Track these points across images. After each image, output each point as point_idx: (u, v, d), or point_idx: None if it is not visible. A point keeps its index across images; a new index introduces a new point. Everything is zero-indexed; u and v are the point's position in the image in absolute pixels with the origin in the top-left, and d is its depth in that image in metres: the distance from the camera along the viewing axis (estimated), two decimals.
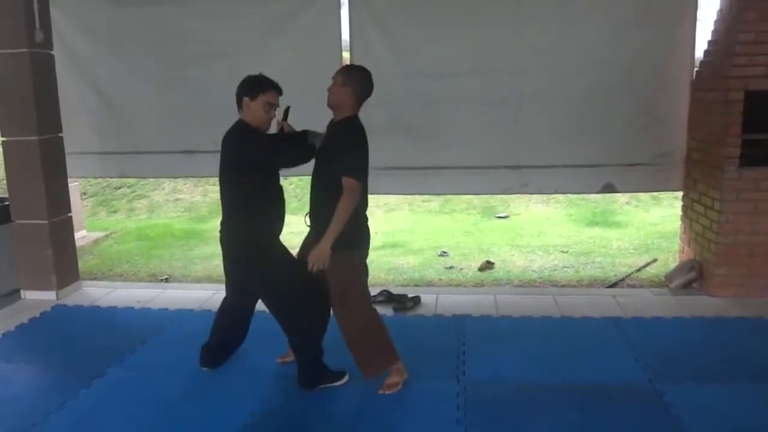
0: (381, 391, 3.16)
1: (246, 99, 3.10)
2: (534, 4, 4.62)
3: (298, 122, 5.23)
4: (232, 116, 5.40)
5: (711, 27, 4.61)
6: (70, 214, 4.91)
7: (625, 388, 3.21)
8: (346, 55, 4.92)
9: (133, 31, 5.00)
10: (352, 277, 3.09)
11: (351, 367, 3.26)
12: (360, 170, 2.97)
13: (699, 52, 4.70)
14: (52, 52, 4.68)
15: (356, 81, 3.02)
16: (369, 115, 4.88)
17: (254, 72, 3.11)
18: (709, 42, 4.60)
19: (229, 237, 3.18)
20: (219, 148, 3.37)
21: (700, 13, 4.59)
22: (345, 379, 3.26)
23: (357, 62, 4.83)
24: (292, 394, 3.26)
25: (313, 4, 4.78)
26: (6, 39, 4.43)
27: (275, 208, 3.19)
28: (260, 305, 3.38)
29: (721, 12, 4.50)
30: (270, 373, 3.44)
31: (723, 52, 4.36)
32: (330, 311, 3.21)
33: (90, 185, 9.04)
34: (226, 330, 3.50)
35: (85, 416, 3.06)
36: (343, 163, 2.95)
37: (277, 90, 3.16)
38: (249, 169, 3.07)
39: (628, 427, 2.88)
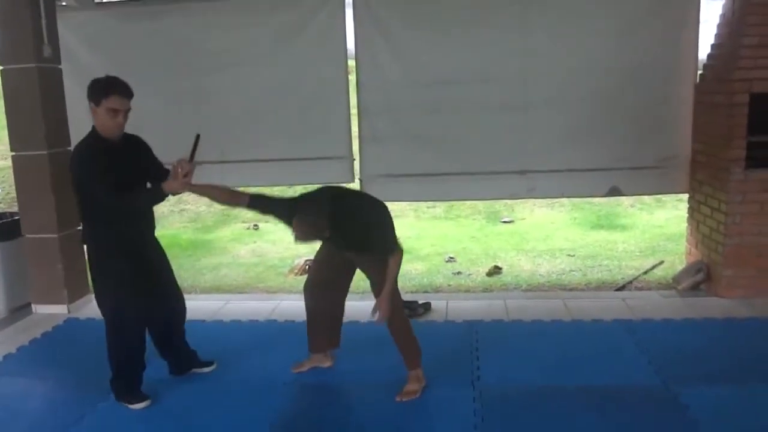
0: (399, 399, 3.17)
1: (91, 105, 2.93)
2: (539, 11, 4.66)
3: (307, 129, 5.22)
4: (239, 126, 5.42)
5: (713, 30, 4.65)
6: (80, 228, 4.91)
7: (640, 390, 3.23)
8: (351, 63, 4.96)
9: (140, 43, 5.04)
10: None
11: (362, 370, 3.27)
12: (395, 241, 3.02)
13: (702, 54, 4.74)
14: (60, 66, 4.70)
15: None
16: (376, 122, 4.94)
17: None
18: (713, 45, 4.64)
19: None
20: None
21: (702, 16, 4.63)
22: (145, 403, 3.21)
23: (363, 71, 4.88)
24: (309, 404, 3.28)
25: (318, 14, 4.82)
26: (14, 54, 4.46)
27: None
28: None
29: (724, 16, 4.54)
30: (286, 382, 3.44)
31: (727, 55, 4.40)
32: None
33: None
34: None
35: (104, 429, 3.08)
36: (383, 247, 3.01)
37: (125, 94, 2.92)
38: None
39: (646, 430, 2.90)
